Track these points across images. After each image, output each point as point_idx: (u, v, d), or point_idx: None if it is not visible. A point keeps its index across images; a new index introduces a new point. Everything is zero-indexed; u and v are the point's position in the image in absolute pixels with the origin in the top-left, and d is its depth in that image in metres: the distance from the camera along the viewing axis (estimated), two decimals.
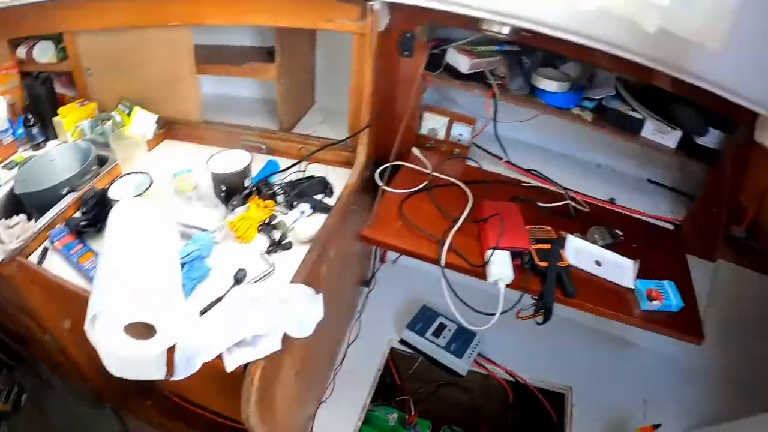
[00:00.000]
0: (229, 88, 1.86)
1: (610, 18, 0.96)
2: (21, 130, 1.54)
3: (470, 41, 1.39)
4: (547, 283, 1.13)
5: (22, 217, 1.24)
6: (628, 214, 1.46)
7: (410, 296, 1.83)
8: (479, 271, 1.15)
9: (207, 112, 1.61)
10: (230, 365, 0.94)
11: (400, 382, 1.71)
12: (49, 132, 1.57)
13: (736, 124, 1.23)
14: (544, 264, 1.15)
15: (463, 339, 1.69)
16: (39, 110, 1.56)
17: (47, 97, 1.58)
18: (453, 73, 1.41)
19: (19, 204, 1.34)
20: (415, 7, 1.19)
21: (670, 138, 1.34)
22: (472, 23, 1.18)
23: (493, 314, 1.12)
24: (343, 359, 1.66)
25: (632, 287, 1.18)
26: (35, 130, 1.53)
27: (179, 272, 1.05)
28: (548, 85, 1.36)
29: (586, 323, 1.81)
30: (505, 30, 1.17)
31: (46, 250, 1.20)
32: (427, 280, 1.79)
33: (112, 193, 1.27)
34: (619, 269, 1.22)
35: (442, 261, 1.17)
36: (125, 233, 1.07)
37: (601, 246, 1.27)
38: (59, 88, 1.70)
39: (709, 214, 1.38)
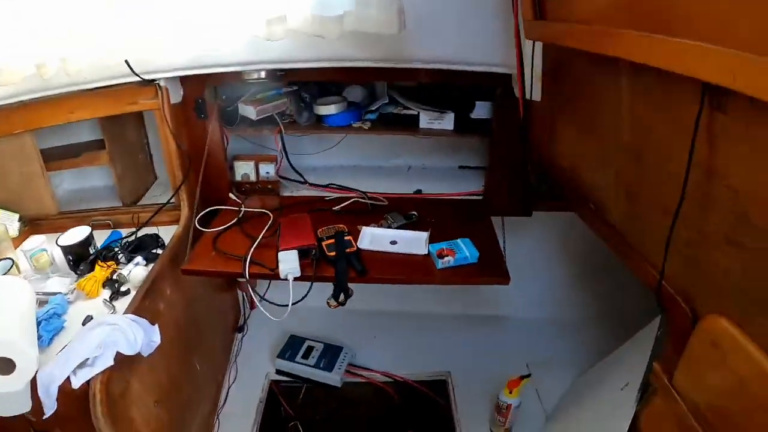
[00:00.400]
0: (86, 181, 2.48)
1: (306, 39, 1.54)
2: None
3: (252, 93, 2.03)
4: (338, 267, 1.67)
5: None
6: (435, 198, 2.06)
7: (281, 332, 2.37)
8: (276, 273, 1.68)
9: (70, 205, 2.20)
10: (76, 383, 1.43)
11: (291, 412, 2.18)
12: None
13: (494, 90, 1.81)
14: (332, 254, 1.71)
15: (330, 355, 2.23)
16: None
17: None
18: (248, 122, 2.05)
19: None
20: (188, 77, 1.85)
21: (446, 122, 1.95)
22: (236, 77, 1.81)
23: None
24: (225, 401, 2.17)
25: (426, 253, 1.72)
26: None
27: (34, 325, 1.56)
28: (327, 109, 2.00)
29: (453, 311, 2.41)
30: (261, 75, 1.80)
31: None
32: (296, 312, 2.44)
33: None
34: (414, 242, 1.77)
35: (246, 273, 1.71)
36: None
37: (395, 228, 1.85)
38: None
39: (502, 177, 1.95)
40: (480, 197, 2.08)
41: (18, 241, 2.08)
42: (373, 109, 2.04)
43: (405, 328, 2.42)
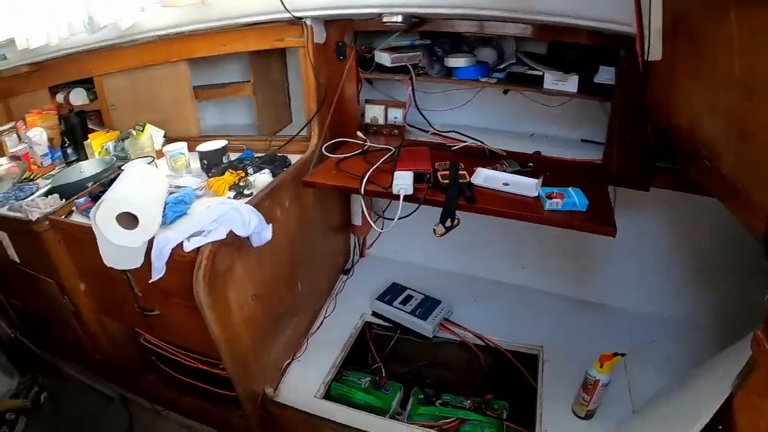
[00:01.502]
0: (227, 118, 2.77)
1: None
2: (57, 154, 2.51)
3: (389, 42, 2.16)
4: (449, 193, 1.73)
5: (56, 196, 2.07)
6: (552, 158, 2.05)
7: (385, 282, 2.46)
8: (389, 192, 1.78)
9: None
10: (188, 247, 1.58)
11: (377, 357, 2.23)
12: (81, 154, 2.49)
13: (618, 53, 1.78)
14: (445, 182, 1.77)
15: (427, 306, 2.27)
16: (73, 136, 2.51)
17: (80, 127, 2.53)
18: (382, 69, 2.20)
19: None
20: (331, 21, 2.04)
21: (569, 84, 1.94)
22: (375, 24, 1.94)
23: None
24: (319, 328, 2.29)
25: (536, 195, 1.73)
26: (69, 151, 2.48)
27: (162, 201, 1.77)
28: (457, 62, 2.08)
29: (554, 290, 2.35)
30: (398, 18, 1.89)
31: (71, 212, 2.01)
32: (402, 267, 2.54)
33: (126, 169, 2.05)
34: (526, 186, 1.78)
35: (362, 189, 1.84)
36: (130, 170, 1.88)
37: (509, 172, 1.87)
38: (90, 125, 2.66)
39: (621, 144, 1.89)
40: (598, 162, 2.05)
41: (160, 153, 2.37)
42: (501, 67, 2.15)
43: (505, 298, 2.40)
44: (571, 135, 2.25)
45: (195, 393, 2.21)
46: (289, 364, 2.15)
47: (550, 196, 1.69)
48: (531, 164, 1.96)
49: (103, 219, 1.64)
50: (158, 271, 1.67)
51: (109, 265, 1.76)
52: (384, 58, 2.16)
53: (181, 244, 1.62)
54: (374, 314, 2.36)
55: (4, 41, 2.62)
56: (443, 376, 2.22)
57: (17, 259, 2.29)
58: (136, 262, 1.71)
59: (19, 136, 2.73)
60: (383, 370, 2.17)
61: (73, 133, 2.58)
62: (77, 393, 2.78)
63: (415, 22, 1.96)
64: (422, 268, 2.60)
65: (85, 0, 2.16)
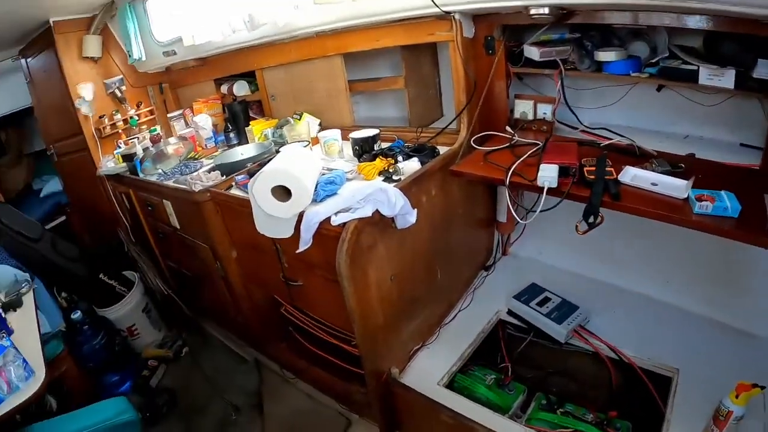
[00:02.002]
0: (379, 111, 2.91)
1: None
2: (221, 138, 2.82)
3: (537, 36, 2.14)
4: (594, 188, 1.68)
5: (217, 172, 2.31)
6: (706, 160, 1.92)
7: (524, 282, 2.41)
8: (533, 184, 1.78)
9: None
10: (335, 221, 1.69)
11: (507, 358, 2.25)
12: (242, 139, 2.75)
13: None
14: (591, 177, 1.73)
15: (564, 310, 2.20)
16: (236, 122, 2.79)
17: (243, 114, 2.80)
18: (531, 64, 2.18)
19: None
20: (479, 16, 2.08)
21: (726, 79, 1.80)
22: (523, 18, 1.92)
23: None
24: (453, 319, 2.33)
25: (685, 197, 1.63)
26: (232, 135, 2.76)
27: (315, 179, 1.90)
28: (607, 56, 2.01)
29: (699, 311, 2.18)
30: (545, 11, 1.85)
31: (231, 186, 2.21)
32: (543, 269, 2.51)
33: (283, 150, 2.29)
34: (675, 187, 1.69)
35: (507, 180, 1.85)
36: (287, 150, 2.06)
37: (659, 173, 1.78)
38: (251, 114, 2.94)
39: None
40: (756, 168, 1.89)
41: (315, 140, 2.55)
42: (653, 61, 2.08)
43: (644, 312, 2.26)
44: (730, 138, 2.10)
45: (323, 365, 2.36)
46: (418, 349, 2.20)
47: (699, 199, 1.60)
48: (682, 165, 1.86)
49: (259, 190, 1.81)
50: (305, 243, 1.79)
51: (261, 233, 1.93)
52: (533, 53, 2.15)
53: (328, 219, 1.74)
54: (509, 313, 2.34)
55: (173, 39, 2.97)
56: (568, 386, 2.17)
57: (177, 226, 2.59)
58: (287, 232, 1.87)
59: (186, 122, 3.08)
60: (510, 370, 2.18)
61: (235, 120, 2.87)
62: (215, 351, 3.09)
63: (563, 14, 1.94)
64: (564, 272, 2.53)
65: (244, 1, 2.38)
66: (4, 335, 1.95)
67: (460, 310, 2.39)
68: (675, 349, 2.07)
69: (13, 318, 2.18)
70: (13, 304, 2.28)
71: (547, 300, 2.29)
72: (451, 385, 2.10)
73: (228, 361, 2.99)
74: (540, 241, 2.63)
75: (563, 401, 2.03)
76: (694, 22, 1.74)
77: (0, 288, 2.42)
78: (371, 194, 1.74)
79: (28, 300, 2.33)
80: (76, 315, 2.79)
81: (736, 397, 1.63)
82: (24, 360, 1.76)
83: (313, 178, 1.91)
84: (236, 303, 2.56)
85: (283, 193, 1.80)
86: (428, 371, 2.12)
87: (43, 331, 2.16)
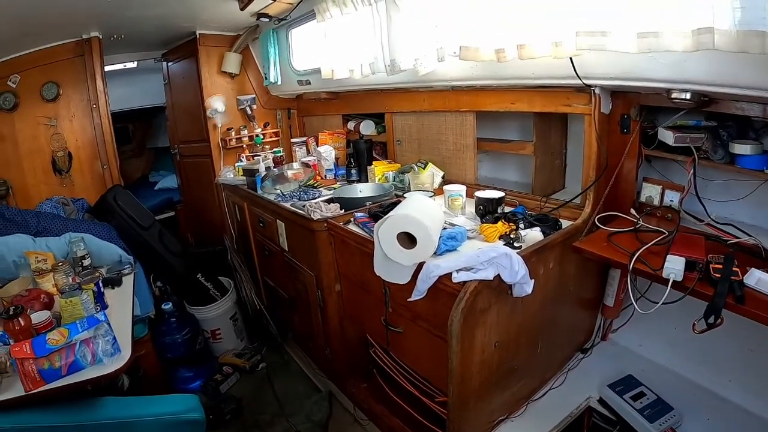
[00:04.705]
0: (502, 174, 2.85)
1: (736, 62, 1.50)
2: (341, 172, 2.87)
3: (674, 120, 2.06)
4: (718, 288, 1.57)
5: (337, 205, 2.33)
6: None
7: (620, 371, 2.28)
8: (657, 274, 1.67)
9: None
10: (456, 278, 1.65)
11: None
12: (362, 176, 2.78)
13: None
14: (717, 275, 1.61)
15: (658, 409, 2.06)
16: (359, 159, 2.83)
17: (366, 152, 2.84)
18: (664, 148, 2.09)
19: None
20: (618, 93, 2.02)
21: None
22: (663, 99, 1.86)
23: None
24: (542, 396, 2.21)
25: None
26: (353, 171, 2.80)
27: (439, 231, 1.88)
28: (742, 149, 1.89)
29: None
30: (687, 96, 1.78)
31: (349, 221, 2.24)
32: (641, 362, 2.39)
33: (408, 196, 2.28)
34: None
35: (630, 266, 1.75)
36: (415, 197, 2.06)
37: None
38: (374, 155, 2.98)
39: None
40: None
41: (438, 191, 2.55)
42: None
43: (745, 427, 2.14)
44: None
45: (400, 415, 2.30)
46: (502, 420, 2.11)
47: None
48: None
49: (386, 233, 1.82)
50: (420, 293, 1.78)
51: (378, 275, 1.93)
52: (667, 136, 2.07)
53: (449, 274, 1.71)
54: (600, 401, 2.22)
55: (310, 69, 3.10)
56: None
57: (286, 248, 2.64)
58: (404, 279, 1.86)
59: (308, 149, 3.18)
60: None
61: (359, 157, 2.93)
62: (292, 375, 3.11)
63: (703, 101, 1.86)
64: (663, 369, 2.36)
65: (389, 43, 2.41)
66: (100, 308, 2.05)
67: (551, 389, 2.28)
68: None
69: (110, 295, 2.27)
70: (113, 282, 2.39)
71: (641, 395, 2.16)
72: None
73: (302, 387, 3.00)
74: (642, 334, 2.50)
75: None
76: None
77: (104, 263, 2.55)
78: (496, 258, 1.71)
79: (128, 281, 2.43)
80: (167, 306, 2.91)
81: None
82: (114, 338, 1.80)
83: (438, 230, 1.90)
84: (327, 334, 2.56)
85: (407, 239, 1.80)
86: None
87: (134, 314, 2.22)
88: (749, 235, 1.96)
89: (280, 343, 3.31)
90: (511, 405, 2.15)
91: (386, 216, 1.83)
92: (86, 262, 2.43)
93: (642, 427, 2.04)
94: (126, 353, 1.82)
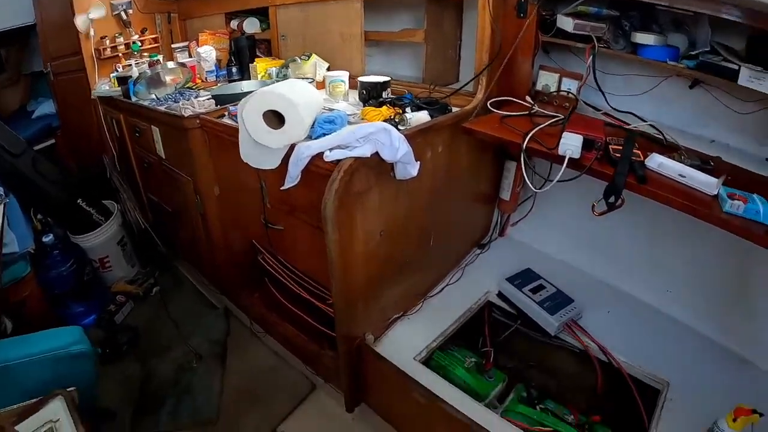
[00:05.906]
0: (393, 68, 2.65)
1: None
2: (222, 73, 2.64)
3: (574, 7, 1.94)
4: (618, 167, 1.51)
5: (212, 101, 2.12)
6: (734, 165, 1.74)
7: (518, 266, 2.24)
8: (553, 152, 1.59)
9: None
10: (328, 157, 1.50)
11: (489, 341, 2.07)
12: (245, 75, 2.55)
13: None
14: (617, 155, 1.55)
15: (558, 301, 2.03)
16: (240, 58, 2.59)
17: (249, 50, 2.60)
18: (562, 35, 1.99)
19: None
20: None
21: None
22: None
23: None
24: (439, 292, 2.15)
25: (715, 193, 1.48)
26: (234, 70, 2.57)
27: (313, 114, 1.71)
28: (645, 38, 1.83)
29: (698, 328, 2.02)
30: None
31: (223, 116, 2.04)
32: (540, 257, 2.31)
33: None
34: (705, 183, 1.52)
35: (524, 144, 1.66)
36: (288, 81, 1.86)
37: (687, 165, 1.59)
38: (258, 54, 2.75)
39: None
40: None
41: (320, 85, 2.36)
42: (693, 54, 1.91)
43: (640, 318, 2.10)
44: (757, 151, 1.93)
45: (295, 322, 2.17)
46: (397, 318, 2.02)
47: (731, 197, 1.45)
48: (712, 163, 1.68)
49: (249, 112, 1.61)
50: (292, 179, 1.60)
51: (244, 161, 1.73)
52: (566, 23, 1.96)
53: (321, 154, 1.54)
54: (499, 295, 2.16)
55: None
56: (549, 382, 2.01)
57: (163, 155, 2.39)
58: (273, 163, 1.67)
59: (190, 54, 2.88)
60: (492, 355, 2.00)
61: (240, 55, 2.69)
62: (186, 294, 2.93)
63: None
64: (562, 263, 2.34)
65: None
66: None
67: (448, 284, 2.21)
68: (668, 362, 1.90)
69: None
70: None
71: (541, 288, 2.11)
72: (428, 362, 1.91)
73: (197, 307, 2.83)
74: (541, 229, 2.45)
75: (543, 397, 1.86)
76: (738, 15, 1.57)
77: None
78: (373, 134, 1.54)
79: None
80: (48, 238, 2.62)
81: (734, 420, 1.52)
82: None
83: (311, 112, 1.71)
84: (212, 244, 2.37)
85: (275, 119, 1.61)
86: (406, 344, 1.93)
87: (11, 251, 2.03)
88: (650, 124, 1.91)
89: (171, 262, 3.12)
90: (406, 302, 2.06)
91: (250, 95, 1.62)
92: None
93: (544, 320, 2.01)
94: None
